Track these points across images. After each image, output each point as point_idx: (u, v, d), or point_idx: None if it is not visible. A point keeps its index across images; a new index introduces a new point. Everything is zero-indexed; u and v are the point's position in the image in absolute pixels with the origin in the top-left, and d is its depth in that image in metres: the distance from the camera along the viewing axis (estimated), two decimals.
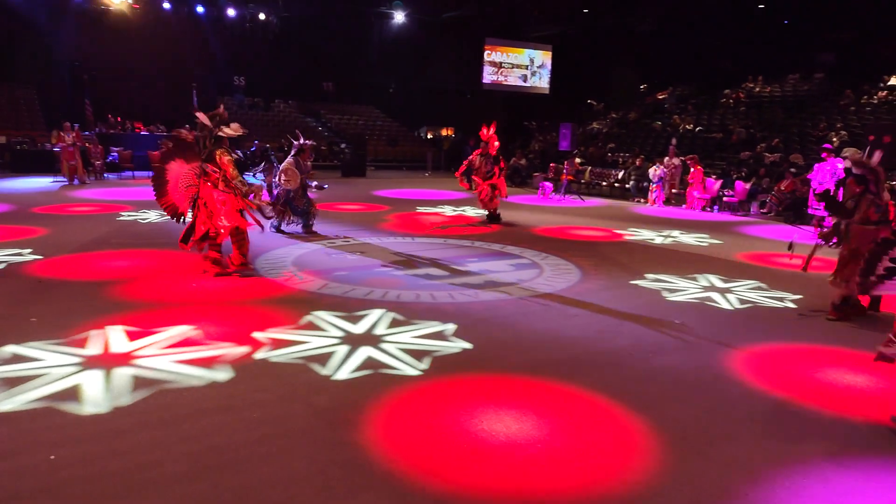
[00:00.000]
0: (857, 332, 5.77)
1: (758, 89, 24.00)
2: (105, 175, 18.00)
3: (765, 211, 14.79)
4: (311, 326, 5.39)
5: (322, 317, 5.64)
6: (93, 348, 4.70)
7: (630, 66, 28.17)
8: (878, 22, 21.07)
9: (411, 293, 6.59)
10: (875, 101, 19.51)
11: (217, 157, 6.73)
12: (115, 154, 18.78)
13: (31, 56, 21.85)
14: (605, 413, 3.99)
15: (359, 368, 4.53)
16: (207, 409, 3.84)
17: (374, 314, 5.77)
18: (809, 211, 11.98)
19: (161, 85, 24.04)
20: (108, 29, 22.66)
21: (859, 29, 21.96)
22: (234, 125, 6.97)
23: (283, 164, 9.75)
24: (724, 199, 15.43)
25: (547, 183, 17.57)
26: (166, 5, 23.23)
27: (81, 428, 3.54)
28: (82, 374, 4.24)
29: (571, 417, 3.90)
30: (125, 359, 4.53)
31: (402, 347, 4.96)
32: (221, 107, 7.29)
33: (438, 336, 5.26)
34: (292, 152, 9.78)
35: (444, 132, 32.78)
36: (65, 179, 16.35)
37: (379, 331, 5.33)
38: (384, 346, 4.98)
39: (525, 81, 29.88)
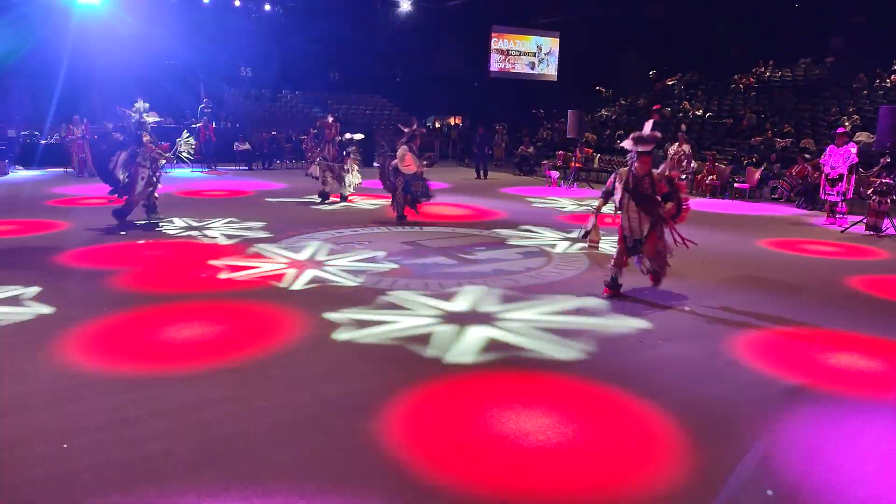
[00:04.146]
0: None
1: (768, 74, 23.71)
2: None
3: (776, 196, 14.67)
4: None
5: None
6: None
7: (639, 52, 27.89)
8: (889, 5, 20.74)
9: (419, 282, 6.59)
10: (888, 85, 19.25)
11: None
12: None
13: (36, 51, 21.79)
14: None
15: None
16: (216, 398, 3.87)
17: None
18: (821, 196, 11.84)
19: (167, 77, 24.01)
20: (112, 19, 22.60)
21: (870, 12, 21.64)
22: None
23: (399, 152, 9.84)
24: (735, 185, 15.31)
25: (553, 171, 17.45)
26: None
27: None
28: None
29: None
30: None
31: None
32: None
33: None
34: (404, 140, 9.95)
35: (451, 121, 32.64)
36: (75, 172, 16.50)
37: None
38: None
39: (533, 69, 29.66)
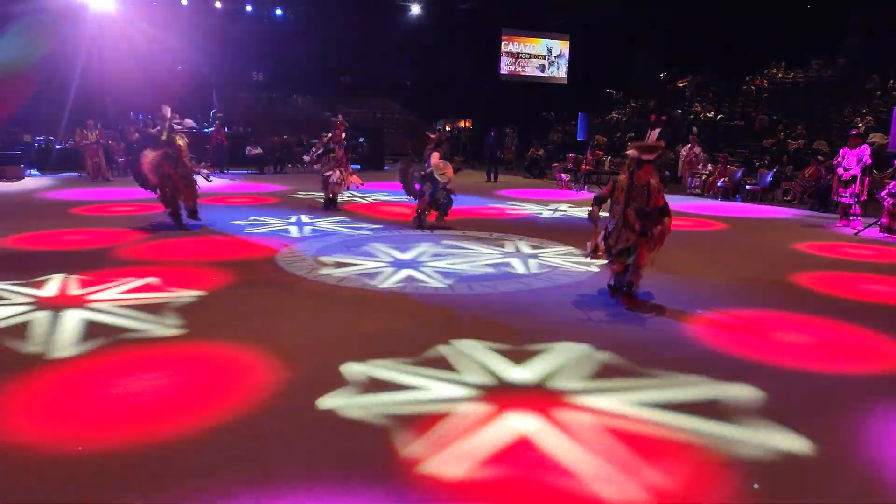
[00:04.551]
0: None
1: (780, 75, 23.59)
2: (128, 171, 18.22)
3: (788, 199, 14.58)
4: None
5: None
6: None
7: (649, 54, 27.83)
8: None
9: (430, 285, 6.62)
10: None
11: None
12: None
13: (51, 57, 22.01)
14: None
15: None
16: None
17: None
18: (834, 198, 11.75)
19: (180, 81, 24.21)
20: (125, 25, 22.84)
21: (883, 12, 21.42)
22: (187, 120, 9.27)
23: (433, 161, 9.55)
24: (747, 187, 15.22)
25: (563, 174, 17.45)
26: (184, 2, 23.38)
27: None
28: None
29: None
30: None
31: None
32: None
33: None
34: (433, 146, 9.68)
35: (461, 124, 32.68)
36: (88, 176, 16.67)
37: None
38: None
39: (543, 71, 29.66)
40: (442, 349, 4.65)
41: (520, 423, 3.58)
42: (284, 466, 3.15)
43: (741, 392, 4.05)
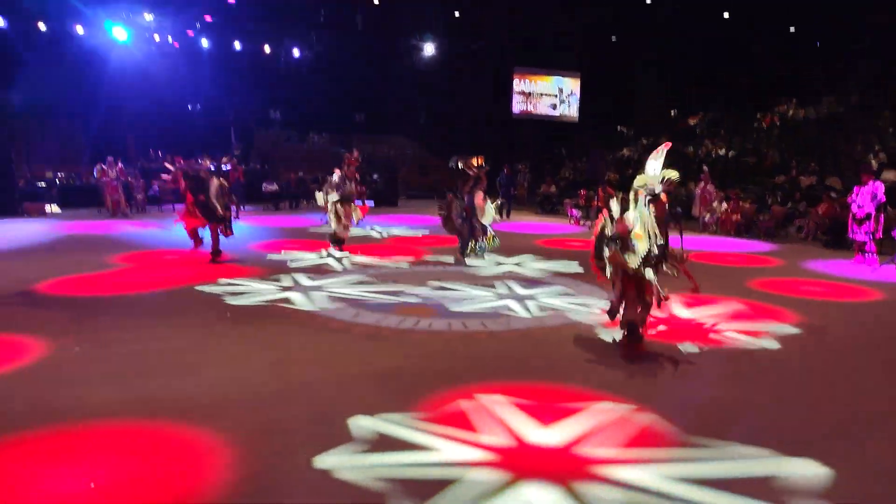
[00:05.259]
0: None
1: (791, 112, 23.69)
2: (146, 207, 18.52)
3: (801, 236, 14.52)
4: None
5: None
6: None
7: (660, 91, 28.12)
8: None
9: (443, 321, 6.63)
10: None
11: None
12: (156, 188, 19.33)
13: (74, 91, 22.52)
14: None
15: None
16: None
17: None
18: (849, 235, 11.69)
19: (200, 119, 24.77)
20: (147, 65, 23.47)
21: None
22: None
23: (476, 201, 9.48)
24: (759, 223, 15.18)
25: (575, 210, 17.57)
26: (204, 43, 24.03)
27: None
28: None
29: None
30: None
31: None
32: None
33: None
34: (472, 184, 9.48)
35: (473, 161, 32.97)
36: (108, 212, 16.94)
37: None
38: None
39: (554, 110, 29.99)
40: (466, 404, 4.29)
41: (535, 497, 3.16)
42: None
43: (806, 469, 3.49)
